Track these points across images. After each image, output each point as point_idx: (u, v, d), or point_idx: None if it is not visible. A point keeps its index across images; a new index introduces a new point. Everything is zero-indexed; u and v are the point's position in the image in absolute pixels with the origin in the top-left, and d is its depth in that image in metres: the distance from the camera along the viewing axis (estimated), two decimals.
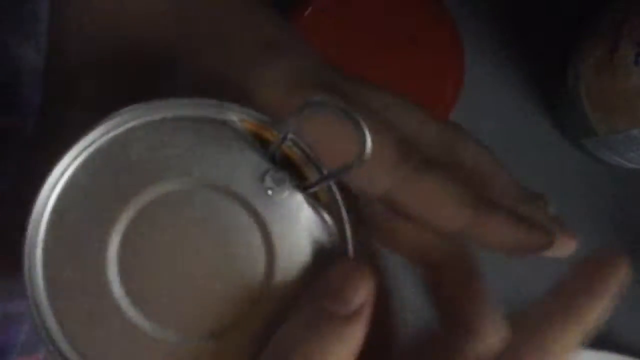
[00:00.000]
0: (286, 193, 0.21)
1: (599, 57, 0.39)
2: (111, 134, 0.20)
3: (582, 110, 0.41)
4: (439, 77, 0.40)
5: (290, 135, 0.21)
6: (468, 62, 0.41)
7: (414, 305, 0.22)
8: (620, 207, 0.46)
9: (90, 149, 0.20)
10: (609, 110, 0.39)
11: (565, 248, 0.23)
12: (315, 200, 0.21)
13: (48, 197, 0.20)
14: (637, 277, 0.47)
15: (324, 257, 0.21)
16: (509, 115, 0.46)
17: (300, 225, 0.21)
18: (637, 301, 0.46)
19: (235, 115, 0.21)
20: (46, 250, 0.20)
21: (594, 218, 0.46)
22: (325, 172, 0.21)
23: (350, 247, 0.21)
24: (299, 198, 0.21)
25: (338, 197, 0.21)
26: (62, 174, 0.20)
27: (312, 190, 0.21)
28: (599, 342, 0.45)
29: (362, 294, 0.20)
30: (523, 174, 0.47)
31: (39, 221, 0.20)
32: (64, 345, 0.19)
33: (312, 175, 0.21)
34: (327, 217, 0.21)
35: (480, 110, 0.46)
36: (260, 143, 0.21)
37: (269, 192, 0.21)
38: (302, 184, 0.21)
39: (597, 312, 0.23)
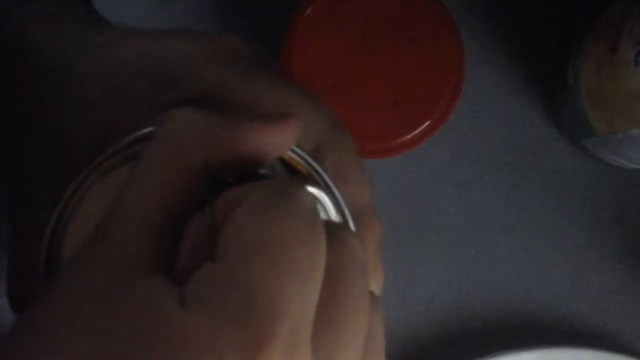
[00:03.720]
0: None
1: (599, 57, 0.39)
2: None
3: (582, 110, 0.41)
4: (439, 77, 0.40)
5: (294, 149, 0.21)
6: (468, 62, 0.41)
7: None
8: (620, 207, 0.46)
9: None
10: (609, 110, 0.39)
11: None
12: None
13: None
14: (637, 277, 0.47)
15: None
16: (509, 115, 0.46)
17: None
18: (636, 301, 0.46)
19: None
20: None
21: (594, 218, 0.46)
22: (324, 176, 0.21)
23: (350, 222, 0.21)
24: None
25: (327, 178, 0.21)
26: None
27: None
28: (599, 342, 0.45)
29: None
30: (523, 174, 0.47)
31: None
32: None
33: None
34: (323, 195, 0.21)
35: (480, 110, 0.46)
36: None
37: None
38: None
39: None
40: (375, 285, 0.24)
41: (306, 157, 0.21)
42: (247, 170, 0.19)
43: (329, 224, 0.18)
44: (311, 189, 0.20)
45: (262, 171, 0.20)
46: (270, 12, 0.44)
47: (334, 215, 0.21)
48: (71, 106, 0.23)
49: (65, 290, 0.17)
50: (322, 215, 0.21)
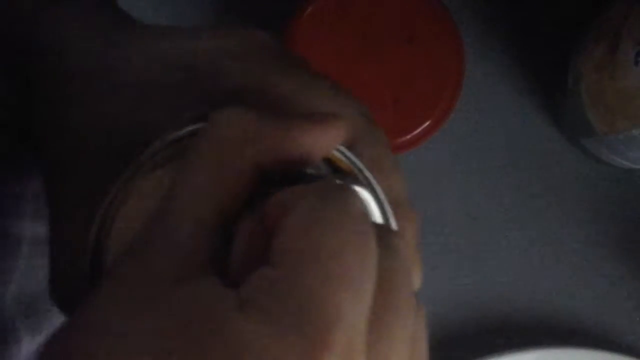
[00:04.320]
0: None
1: (599, 57, 0.39)
2: None
3: (582, 110, 0.41)
4: (439, 77, 0.40)
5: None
6: (468, 62, 0.41)
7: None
8: (620, 207, 0.46)
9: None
10: (609, 110, 0.39)
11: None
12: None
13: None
14: (636, 277, 0.47)
15: None
16: (509, 115, 0.46)
17: None
18: (637, 301, 0.46)
19: None
20: None
21: (594, 218, 0.46)
22: (368, 175, 0.21)
23: (391, 220, 0.21)
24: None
25: (370, 176, 0.21)
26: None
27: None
28: (599, 342, 0.45)
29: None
30: (523, 174, 0.47)
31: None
32: None
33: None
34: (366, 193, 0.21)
35: (480, 110, 0.46)
36: None
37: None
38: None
39: None
40: (416, 279, 0.23)
41: (348, 154, 0.21)
42: (293, 169, 0.20)
43: (375, 227, 0.18)
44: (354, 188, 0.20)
45: (309, 170, 0.20)
46: (271, 11, 0.44)
47: (376, 213, 0.21)
48: (101, 106, 0.23)
49: (115, 291, 0.17)
50: None
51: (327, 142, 0.20)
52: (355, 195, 0.18)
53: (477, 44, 0.45)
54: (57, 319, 0.33)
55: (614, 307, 0.46)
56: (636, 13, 0.37)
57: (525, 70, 0.46)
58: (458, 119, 0.44)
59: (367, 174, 0.21)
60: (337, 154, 0.21)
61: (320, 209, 0.17)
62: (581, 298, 0.46)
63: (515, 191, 0.46)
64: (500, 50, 0.46)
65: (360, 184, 0.21)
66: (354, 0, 0.40)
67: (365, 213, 0.18)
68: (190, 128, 0.20)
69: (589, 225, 0.46)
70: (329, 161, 0.21)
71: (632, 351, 0.45)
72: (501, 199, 0.46)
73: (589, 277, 0.46)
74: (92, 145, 0.23)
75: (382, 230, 0.19)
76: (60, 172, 0.23)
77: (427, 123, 0.40)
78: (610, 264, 0.46)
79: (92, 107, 0.23)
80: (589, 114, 0.41)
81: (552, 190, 0.46)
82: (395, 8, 0.40)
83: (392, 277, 0.18)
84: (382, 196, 0.21)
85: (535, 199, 0.46)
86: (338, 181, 0.20)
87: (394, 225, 0.21)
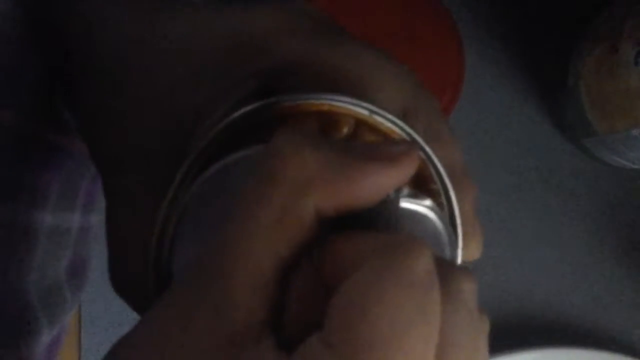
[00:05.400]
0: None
1: (599, 57, 0.39)
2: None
3: (582, 110, 0.41)
4: (439, 77, 0.40)
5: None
6: (468, 62, 0.41)
7: None
8: (620, 207, 0.46)
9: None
10: (609, 110, 0.39)
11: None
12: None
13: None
14: (637, 277, 0.47)
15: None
16: (509, 115, 0.46)
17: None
18: (637, 301, 0.46)
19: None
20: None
21: (594, 218, 0.46)
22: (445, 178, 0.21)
23: (459, 251, 0.21)
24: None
25: (452, 194, 0.21)
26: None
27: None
28: (599, 342, 0.45)
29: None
30: (523, 174, 0.47)
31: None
32: None
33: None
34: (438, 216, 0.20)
35: (480, 110, 0.46)
36: None
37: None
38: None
39: None
40: (475, 247, 0.22)
41: (408, 130, 0.20)
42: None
43: (439, 265, 0.16)
44: (423, 206, 0.19)
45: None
46: None
47: (442, 195, 0.20)
48: (145, 89, 0.22)
49: (161, 343, 0.16)
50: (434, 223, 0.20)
51: (397, 181, 0.18)
52: (421, 251, 0.16)
53: (477, 44, 0.45)
54: (72, 311, 0.33)
55: (614, 307, 0.46)
56: (636, 13, 0.37)
57: (525, 70, 0.46)
58: (458, 119, 0.44)
59: (428, 151, 0.20)
60: (394, 128, 0.20)
61: (380, 281, 0.15)
62: (581, 298, 0.46)
63: (515, 191, 0.46)
64: (500, 50, 0.46)
65: (426, 192, 0.20)
66: (354, 0, 0.40)
67: (431, 270, 0.16)
68: (240, 112, 0.20)
69: (588, 225, 0.46)
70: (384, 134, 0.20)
71: (632, 351, 0.45)
72: (501, 198, 0.46)
73: (589, 277, 0.46)
74: (145, 132, 0.22)
75: (447, 271, 0.17)
76: (117, 166, 0.23)
77: None
78: (610, 264, 0.46)
79: (137, 92, 0.22)
80: (589, 114, 0.41)
81: (552, 190, 0.46)
82: (395, 8, 0.40)
83: (453, 326, 0.16)
84: (446, 180, 0.21)
85: (535, 198, 0.46)
86: (404, 204, 0.19)
87: (460, 238, 0.20)
